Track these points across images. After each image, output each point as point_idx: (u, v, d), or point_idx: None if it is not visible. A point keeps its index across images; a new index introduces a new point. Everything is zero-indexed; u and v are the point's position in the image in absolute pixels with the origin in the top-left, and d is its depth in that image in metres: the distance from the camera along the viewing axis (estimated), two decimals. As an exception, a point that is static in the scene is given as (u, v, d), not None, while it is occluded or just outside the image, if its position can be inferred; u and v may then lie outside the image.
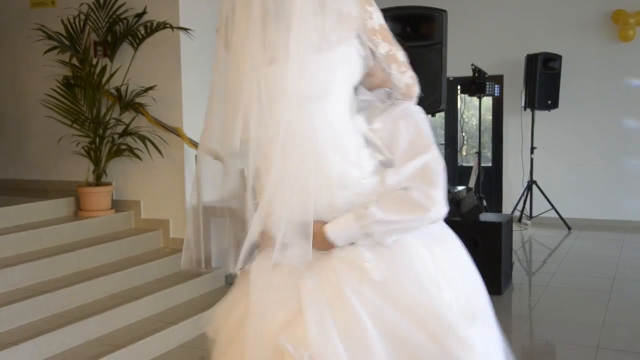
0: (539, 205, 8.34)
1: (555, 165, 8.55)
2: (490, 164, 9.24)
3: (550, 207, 8.16)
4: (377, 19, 1.74)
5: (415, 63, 4.20)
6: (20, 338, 3.70)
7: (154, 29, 5.16)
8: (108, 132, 5.36)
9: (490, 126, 9.27)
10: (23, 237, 4.70)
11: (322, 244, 1.70)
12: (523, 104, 8.26)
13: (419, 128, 1.77)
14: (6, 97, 6.11)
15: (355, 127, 1.75)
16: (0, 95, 6.12)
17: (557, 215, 8.14)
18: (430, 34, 4.35)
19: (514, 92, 8.58)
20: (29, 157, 6.03)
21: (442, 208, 1.75)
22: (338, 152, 1.69)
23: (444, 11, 4.35)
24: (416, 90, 1.85)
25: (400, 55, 1.80)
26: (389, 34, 1.77)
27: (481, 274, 5.59)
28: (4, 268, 4.24)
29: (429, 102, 4.34)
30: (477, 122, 6.79)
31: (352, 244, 1.71)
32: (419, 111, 1.84)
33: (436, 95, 4.30)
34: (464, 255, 1.91)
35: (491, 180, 9.03)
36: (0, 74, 6.09)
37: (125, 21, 5.33)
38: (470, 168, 6.77)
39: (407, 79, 1.81)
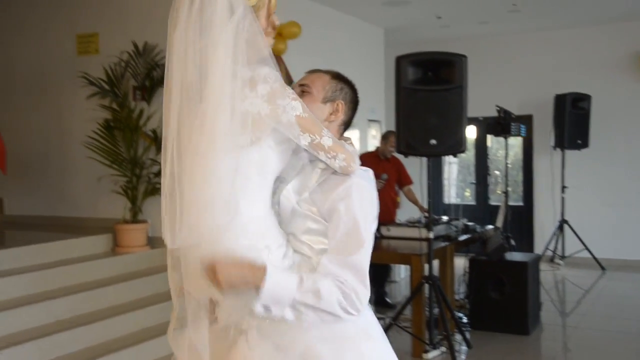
0: (572, 245, 8.30)
1: (587, 204, 8.53)
2: (521, 203, 9.26)
3: (583, 247, 8.11)
4: (293, 110, 1.70)
5: (437, 106, 4.36)
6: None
7: (189, 74, 5.42)
8: (144, 172, 5.61)
9: (521, 165, 9.32)
10: (64, 271, 4.94)
11: (249, 277, 1.67)
12: (553, 144, 8.31)
13: (355, 220, 1.75)
14: (51, 138, 6.45)
15: (274, 226, 1.78)
16: (45, 136, 6.47)
17: (590, 255, 8.09)
18: (451, 78, 4.50)
19: (544, 132, 8.65)
20: (71, 195, 6.33)
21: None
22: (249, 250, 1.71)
23: (464, 56, 4.50)
24: (354, 166, 1.79)
25: (326, 140, 1.74)
26: (309, 121, 1.72)
27: (507, 314, 5.64)
28: (45, 301, 4.46)
29: (450, 144, 4.48)
30: (505, 161, 6.87)
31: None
32: (362, 189, 1.80)
33: (457, 138, 4.43)
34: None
35: (522, 219, 9.03)
36: (47, 117, 6.44)
37: (162, 67, 5.62)
38: (499, 207, 6.83)
39: (339, 162, 1.76)
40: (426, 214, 6.10)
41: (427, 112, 4.41)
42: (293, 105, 1.70)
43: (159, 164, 5.58)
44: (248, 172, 1.72)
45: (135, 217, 5.62)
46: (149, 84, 5.63)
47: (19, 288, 4.56)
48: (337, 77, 1.94)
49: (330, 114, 1.89)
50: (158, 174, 5.59)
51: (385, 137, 6.42)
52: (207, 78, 1.68)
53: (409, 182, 6.46)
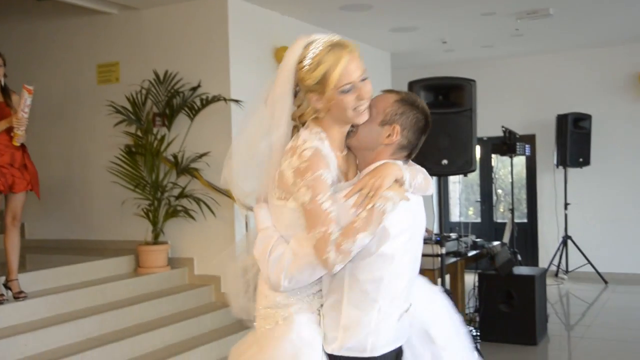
0: (575, 260, 8.51)
1: (590, 220, 8.75)
2: (525, 220, 9.48)
3: (586, 262, 8.32)
4: (302, 196, 1.88)
5: (448, 128, 4.59)
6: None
7: (209, 101, 5.68)
8: (165, 195, 5.84)
9: (525, 183, 9.55)
10: (90, 292, 5.16)
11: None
12: (555, 162, 8.55)
13: None
14: (72, 164, 6.68)
15: None
16: (66, 162, 6.70)
17: (593, 270, 8.29)
18: (461, 101, 4.74)
19: (547, 151, 8.90)
20: (92, 218, 6.55)
21: None
22: None
23: (473, 81, 4.75)
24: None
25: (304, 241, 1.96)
26: (310, 212, 1.88)
27: (516, 325, 5.84)
28: (75, 320, 4.68)
29: (460, 164, 4.71)
30: (511, 179, 7.10)
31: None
32: None
33: (467, 157, 4.66)
34: None
35: (527, 235, 9.25)
36: (67, 144, 6.68)
37: (181, 94, 5.88)
38: (505, 224, 7.05)
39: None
40: (427, 233, 6.34)
41: (438, 134, 4.63)
42: (304, 194, 1.87)
43: (180, 187, 5.84)
44: (278, 222, 2.04)
45: (156, 239, 5.84)
46: (169, 111, 5.87)
47: (48, 308, 4.78)
48: (402, 100, 2.01)
49: (387, 136, 1.99)
50: (178, 197, 5.83)
51: None
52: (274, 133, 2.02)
53: None
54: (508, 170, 9.19)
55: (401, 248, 1.99)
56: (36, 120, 6.79)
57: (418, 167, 2.09)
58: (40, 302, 4.75)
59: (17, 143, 4.52)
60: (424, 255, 5.39)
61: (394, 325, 2.03)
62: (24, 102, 4.40)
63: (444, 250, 4.93)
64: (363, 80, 1.94)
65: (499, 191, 9.64)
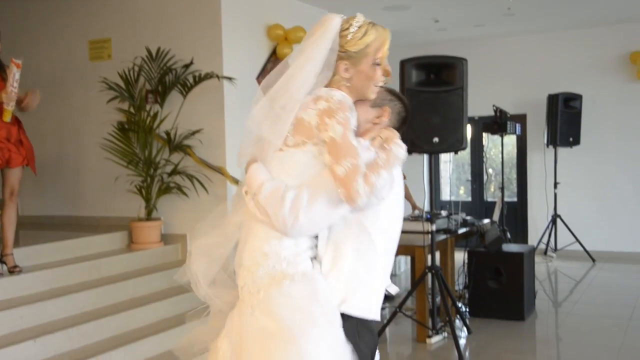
0: (564, 239, 8.63)
1: (579, 199, 8.86)
2: (515, 199, 9.57)
3: (575, 240, 8.44)
4: (332, 131, 1.91)
5: (439, 106, 4.65)
6: (86, 355, 4.18)
7: (201, 78, 5.70)
8: (158, 172, 5.87)
9: (515, 162, 9.64)
10: (84, 267, 5.20)
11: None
12: (546, 141, 8.62)
13: None
14: (65, 141, 6.69)
15: None
16: (59, 139, 6.71)
17: (581, 248, 8.42)
18: (452, 80, 4.80)
19: (537, 130, 8.97)
20: (85, 195, 6.57)
21: None
22: None
23: (465, 59, 4.80)
24: (352, 200, 1.93)
25: (340, 169, 1.90)
26: (340, 145, 1.90)
27: (504, 301, 5.98)
28: (69, 294, 4.73)
29: (451, 142, 4.77)
30: (501, 158, 7.17)
31: None
32: None
33: (458, 136, 4.73)
34: None
35: (516, 214, 9.36)
36: (60, 121, 6.68)
37: (174, 71, 5.89)
38: (495, 203, 7.13)
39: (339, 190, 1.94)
40: (418, 211, 6.41)
41: (430, 112, 4.69)
42: (335, 128, 1.92)
43: (173, 164, 5.87)
44: (289, 169, 2.00)
45: (149, 215, 5.88)
46: (162, 88, 5.88)
47: (43, 282, 4.82)
48: (389, 90, 2.21)
49: (377, 117, 2.14)
50: (171, 173, 5.86)
51: None
52: (289, 84, 2.01)
53: (403, 177, 6.73)
54: (499, 149, 9.30)
55: (399, 203, 2.12)
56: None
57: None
58: (35, 276, 4.79)
59: (7, 119, 4.45)
60: (414, 232, 5.48)
61: (383, 292, 2.08)
62: (12, 77, 4.32)
63: (434, 228, 5.01)
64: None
65: (490, 170, 9.72)
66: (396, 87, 5.08)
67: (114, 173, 5.98)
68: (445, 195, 10.29)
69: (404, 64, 4.79)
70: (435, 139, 4.69)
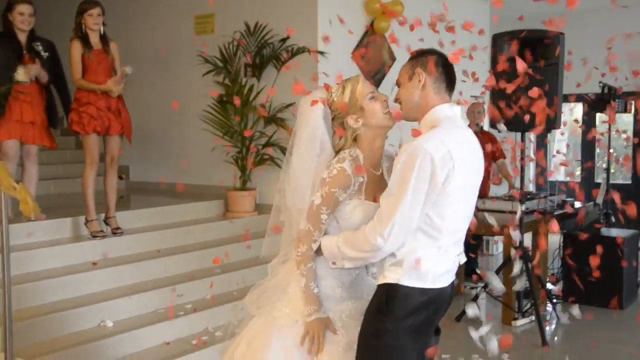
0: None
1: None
2: (629, 182, 9.02)
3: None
4: (314, 198, 2.31)
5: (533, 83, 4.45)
6: (176, 312, 4.45)
7: (295, 52, 5.79)
8: (253, 143, 6.06)
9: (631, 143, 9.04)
10: (179, 232, 5.48)
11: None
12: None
13: None
14: (170, 113, 7.02)
15: None
16: (165, 111, 7.05)
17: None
18: (549, 54, 4.58)
19: (656, 108, 8.36)
20: (189, 164, 6.88)
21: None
22: None
23: (562, 34, 4.56)
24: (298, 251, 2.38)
25: (303, 225, 2.34)
26: (311, 211, 2.31)
27: (601, 288, 5.64)
28: (165, 256, 5.04)
29: (545, 120, 4.56)
30: (608, 138, 6.75)
31: None
32: None
33: (551, 114, 4.52)
34: None
35: (630, 197, 8.77)
36: (166, 93, 7.03)
37: (271, 45, 6.01)
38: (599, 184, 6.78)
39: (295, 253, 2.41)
40: (514, 189, 6.21)
41: (521, 88, 4.50)
42: (316, 196, 2.30)
43: (267, 136, 6.03)
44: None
45: (244, 185, 6.09)
46: (259, 62, 6.03)
47: (143, 244, 5.14)
48: (412, 57, 2.29)
49: (418, 82, 2.22)
50: (266, 145, 6.03)
51: (470, 111, 6.43)
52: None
53: (503, 156, 6.53)
54: (622, 129, 8.76)
55: (461, 183, 2.15)
56: (139, 72, 7.20)
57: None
58: (135, 238, 5.12)
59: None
60: (502, 212, 5.33)
61: (452, 259, 2.22)
62: (120, 79, 4.74)
63: (523, 208, 4.85)
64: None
65: (611, 151, 9.17)
66: (487, 62, 4.93)
67: (212, 144, 6.23)
68: (559, 176, 9.85)
69: (495, 38, 4.63)
70: (527, 117, 4.50)
